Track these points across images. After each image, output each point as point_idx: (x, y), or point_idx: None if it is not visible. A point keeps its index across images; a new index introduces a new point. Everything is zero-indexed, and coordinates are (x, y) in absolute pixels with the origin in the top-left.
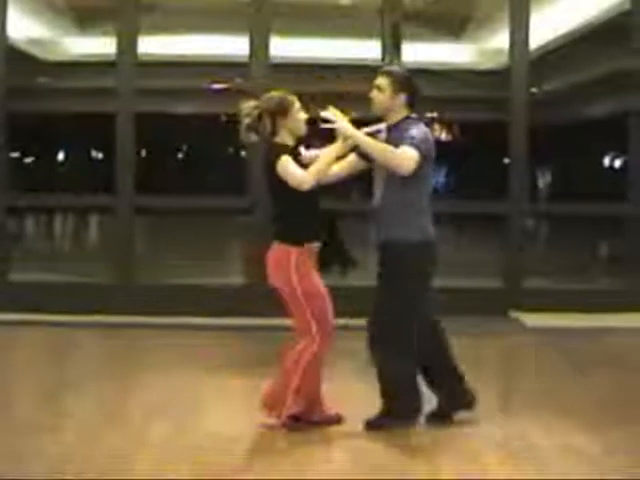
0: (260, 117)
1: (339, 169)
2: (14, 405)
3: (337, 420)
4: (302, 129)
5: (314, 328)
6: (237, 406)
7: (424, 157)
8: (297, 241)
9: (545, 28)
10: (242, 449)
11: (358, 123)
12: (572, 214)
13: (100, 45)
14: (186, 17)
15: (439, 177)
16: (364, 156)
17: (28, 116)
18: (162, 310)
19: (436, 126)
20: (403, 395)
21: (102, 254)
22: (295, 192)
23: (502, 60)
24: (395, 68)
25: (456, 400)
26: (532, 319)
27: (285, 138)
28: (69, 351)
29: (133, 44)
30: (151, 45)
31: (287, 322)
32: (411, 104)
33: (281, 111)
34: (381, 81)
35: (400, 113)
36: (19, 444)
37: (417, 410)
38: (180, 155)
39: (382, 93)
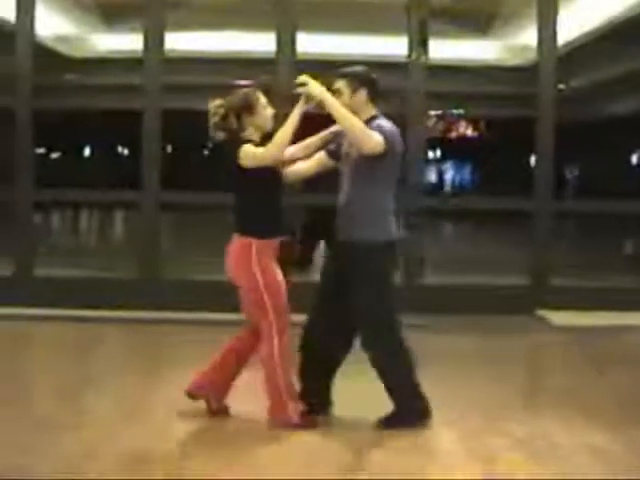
0: (226, 115)
1: (307, 167)
2: (36, 401)
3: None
4: (269, 124)
5: (273, 322)
6: (261, 403)
7: (388, 150)
8: (258, 234)
9: (572, 25)
10: (269, 445)
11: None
12: (598, 212)
13: (127, 42)
14: (213, 13)
15: (464, 174)
16: (332, 154)
17: (55, 113)
18: (187, 306)
19: (463, 122)
20: (407, 397)
21: (127, 249)
22: (257, 185)
23: (529, 56)
24: (349, 68)
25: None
26: (558, 317)
27: (252, 134)
28: (93, 346)
29: (160, 40)
30: (178, 41)
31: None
32: (373, 98)
33: (246, 108)
34: (338, 84)
35: (366, 112)
36: (40, 441)
37: (424, 411)
38: (205, 151)
39: (342, 96)
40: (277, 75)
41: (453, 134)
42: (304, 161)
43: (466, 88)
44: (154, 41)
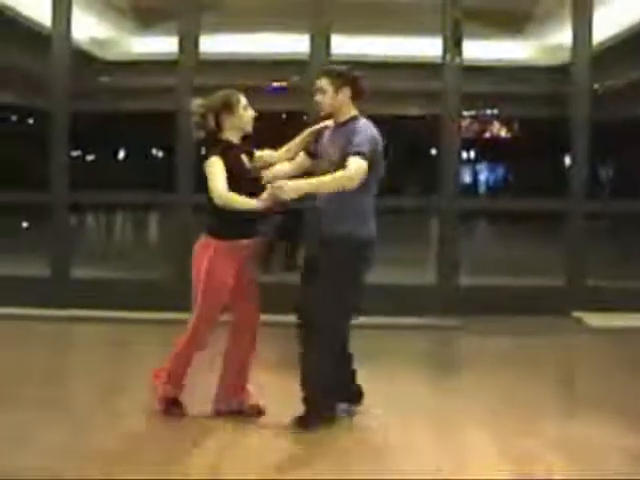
0: (205, 115)
1: (288, 170)
2: (72, 402)
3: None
4: (248, 126)
5: (194, 320)
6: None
7: (371, 162)
8: (222, 236)
9: (607, 24)
10: (303, 447)
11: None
12: (633, 212)
13: (161, 44)
14: (246, 16)
15: (498, 175)
16: (312, 154)
17: (90, 115)
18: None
19: (496, 123)
20: (317, 400)
21: (162, 251)
22: (229, 188)
23: (564, 56)
24: (332, 66)
25: None
26: (594, 319)
27: (230, 134)
28: (129, 348)
29: (195, 43)
30: (212, 44)
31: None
32: (355, 97)
33: (225, 109)
34: (321, 82)
35: (347, 112)
36: (75, 442)
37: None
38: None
39: (325, 94)
40: (310, 77)
41: (487, 135)
42: (283, 163)
43: (500, 88)
44: (189, 44)
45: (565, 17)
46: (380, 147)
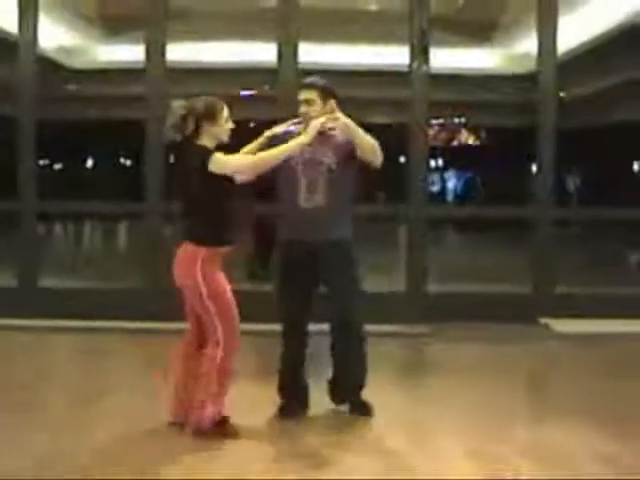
0: (185, 117)
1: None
2: (44, 410)
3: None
4: (225, 137)
5: (219, 330)
6: (260, 413)
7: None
8: (207, 242)
9: (573, 32)
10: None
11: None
12: (599, 219)
13: (129, 52)
14: (214, 24)
15: (466, 183)
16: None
17: (58, 123)
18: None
19: (464, 131)
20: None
21: (131, 260)
22: (213, 194)
23: (530, 65)
24: (315, 79)
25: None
26: (561, 325)
27: (207, 141)
28: (98, 357)
29: (162, 51)
30: (180, 52)
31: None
32: (338, 108)
33: (208, 115)
34: (309, 95)
35: None
36: (48, 446)
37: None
38: None
39: (314, 105)
40: (279, 85)
41: (455, 143)
42: None
43: (468, 97)
44: (156, 52)
45: (531, 25)
46: None
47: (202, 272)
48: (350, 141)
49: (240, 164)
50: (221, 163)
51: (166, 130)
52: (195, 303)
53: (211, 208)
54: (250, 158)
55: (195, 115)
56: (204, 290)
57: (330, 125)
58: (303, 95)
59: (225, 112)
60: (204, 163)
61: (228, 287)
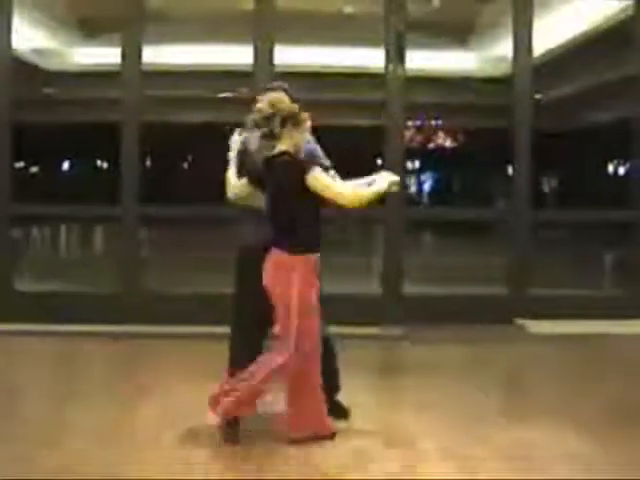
0: (271, 116)
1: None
2: (19, 415)
3: None
4: (300, 147)
5: (292, 342)
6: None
7: None
8: (305, 251)
9: (549, 35)
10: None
11: None
12: (575, 221)
13: (105, 55)
14: (191, 27)
15: (442, 185)
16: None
17: (34, 126)
18: (167, 318)
19: (441, 133)
20: None
21: (108, 263)
22: (310, 203)
23: (506, 67)
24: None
25: None
26: (537, 326)
27: (286, 147)
28: (74, 361)
29: (138, 54)
30: (156, 54)
31: None
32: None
33: (293, 119)
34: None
35: None
36: (27, 453)
37: None
38: (185, 165)
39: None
40: (255, 87)
41: (431, 145)
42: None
43: (444, 99)
44: (132, 54)
45: (508, 28)
46: None
47: (298, 283)
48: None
49: (341, 194)
50: (321, 184)
51: (248, 124)
52: (280, 310)
53: (304, 215)
54: (350, 190)
55: (283, 116)
56: (294, 300)
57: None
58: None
59: (308, 123)
60: (303, 176)
61: (317, 302)
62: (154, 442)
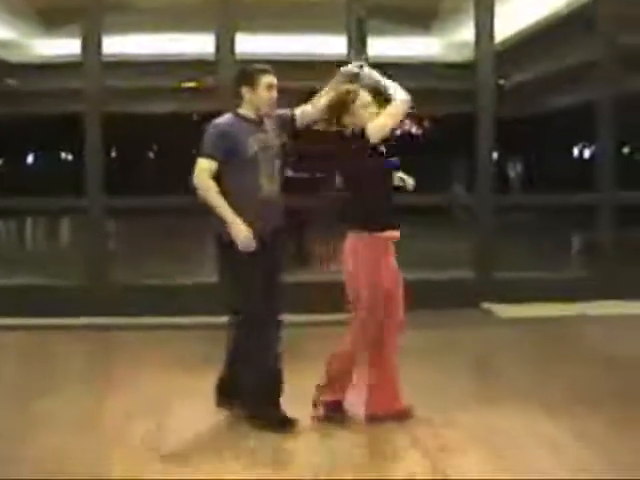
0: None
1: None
2: None
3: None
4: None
5: (358, 320)
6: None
7: None
8: (371, 228)
9: (512, 20)
10: (218, 449)
11: None
12: (539, 204)
13: (66, 46)
14: (152, 16)
15: (409, 171)
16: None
17: None
18: (136, 310)
19: (407, 120)
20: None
21: (75, 256)
22: (370, 175)
23: (469, 53)
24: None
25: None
26: (504, 310)
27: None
28: (44, 354)
29: (98, 44)
30: (118, 45)
31: None
32: None
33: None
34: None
35: None
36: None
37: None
38: (151, 155)
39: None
40: (218, 76)
41: (398, 131)
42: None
43: (408, 85)
44: (92, 45)
45: (470, 13)
46: None
47: (362, 259)
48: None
49: (393, 113)
50: (379, 124)
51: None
52: (350, 289)
53: (369, 191)
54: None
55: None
56: (364, 278)
57: None
58: (271, 79)
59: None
60: (363, 136)
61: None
62: (126, 434)
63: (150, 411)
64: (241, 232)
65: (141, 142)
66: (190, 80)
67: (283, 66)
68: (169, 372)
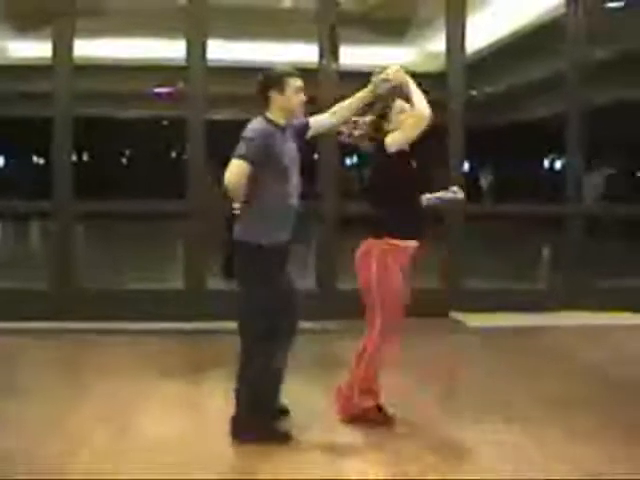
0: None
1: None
2: None
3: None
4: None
5: (378, 322)
6: (178, 410)
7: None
8: (388, 234)
9: (484, 31)
10: (182, 454)
11: None
12: (508, 215)
13: (37, 49)
14: (123, 20)
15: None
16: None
17: None
18: (103, 315)
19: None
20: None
21: (43, 260)
22: (395, 183)
23: (441, 63)
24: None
25: None
26: (472, 319)
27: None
28: (13, 358)
29: (69, 47)
30: (89, 49)
31: (228, 326)
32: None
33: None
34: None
35: None
36: None
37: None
38: (124, 159)
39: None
40: (190, 82)
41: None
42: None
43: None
44: (63, 48)
45: (442, 24)
46: None
47: (377, 264)
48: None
49: (412, 126)
50: (398, 136)
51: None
52: (366, 293)
53: (397, 200)
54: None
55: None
56: (376, 284)
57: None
58: (300, 81)
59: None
60: (381, 147)
61: (401, 286)
62: (92, 437)
63: (116, 415)
64: None
65: (114, 146)
66: (161, 85)
67: (254, 73)
68: (136, 376)
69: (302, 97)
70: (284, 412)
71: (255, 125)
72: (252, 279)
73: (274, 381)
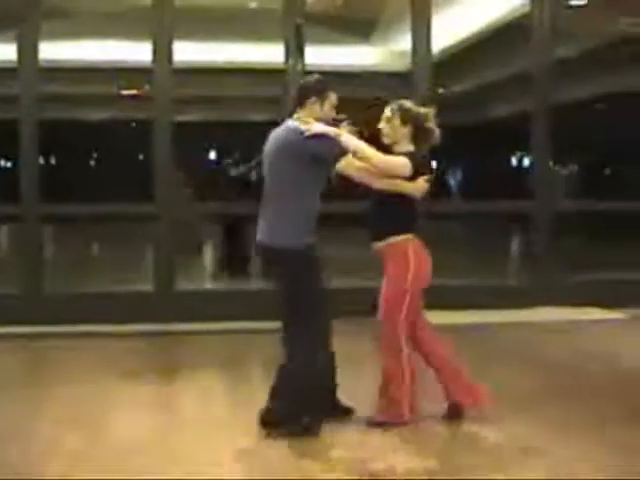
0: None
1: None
2: None
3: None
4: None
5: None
6: (149, 412)
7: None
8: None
9: (451, 30)
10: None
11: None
12: (473, 212)
13: (1, 51)
14: (89, 22)
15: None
16: None
17: None
18: (70, 318)
19: (346, 128)
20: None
21: (9, 264)
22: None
23: (408, 62)
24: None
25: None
26: (433, 316)
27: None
28: None
29: (34, 50)
30: (55, 51)
31: (195, 327)
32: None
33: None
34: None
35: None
36: None
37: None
38: (91, 162)
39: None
40: (155, 84)
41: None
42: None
43: (346, 93)
44: (28, 50)
45: (409, 23)
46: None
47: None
48: None
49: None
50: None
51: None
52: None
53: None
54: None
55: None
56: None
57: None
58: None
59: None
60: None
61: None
62: (59, 442)
63: (84, 419)
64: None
65: (81, 149)
66: (128, 87)
67: (220, 74)
68: (104, 380)
69: (333, 114)
70: (347, 411)
71: (316, 126)
72: (307, 280)
73: (317, 380)
